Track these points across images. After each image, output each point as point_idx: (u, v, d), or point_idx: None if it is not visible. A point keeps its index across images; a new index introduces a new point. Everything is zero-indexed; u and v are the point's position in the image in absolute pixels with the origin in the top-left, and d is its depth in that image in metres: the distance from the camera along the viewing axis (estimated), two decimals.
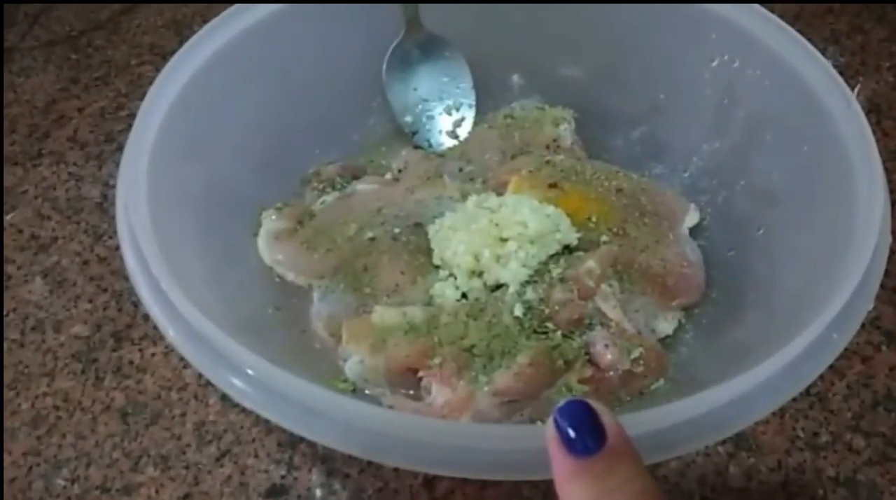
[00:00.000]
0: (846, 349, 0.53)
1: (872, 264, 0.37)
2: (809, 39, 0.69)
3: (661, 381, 0.46)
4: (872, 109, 0.68)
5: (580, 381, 0.44)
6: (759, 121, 0.50)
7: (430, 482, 0.49)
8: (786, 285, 0.45)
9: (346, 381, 0.46)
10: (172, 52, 0.80)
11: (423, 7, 0.57)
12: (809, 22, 0.76)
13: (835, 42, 0.74)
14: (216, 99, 0.52)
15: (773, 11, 0.77)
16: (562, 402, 0.30)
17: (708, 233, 0.54)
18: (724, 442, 0.50)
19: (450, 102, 0.60)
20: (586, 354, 0.44)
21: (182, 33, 0.83)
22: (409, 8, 0.57)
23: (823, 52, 0.71)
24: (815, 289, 0.40)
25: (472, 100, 0.60)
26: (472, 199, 0.51)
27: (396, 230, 0.51)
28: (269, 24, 0.54)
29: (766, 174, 0.50)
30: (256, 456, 0.51)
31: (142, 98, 0.76)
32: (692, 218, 0.53)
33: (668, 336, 0.49)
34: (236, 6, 0.53)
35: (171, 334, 0.38)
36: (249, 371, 0.36)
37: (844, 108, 0.44)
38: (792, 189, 0.48)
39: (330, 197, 0.56)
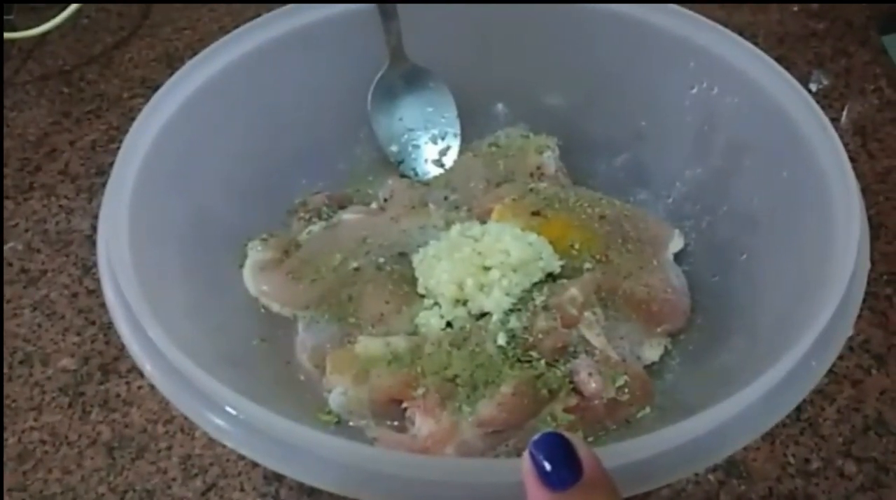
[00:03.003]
0: (835, 373, 0.54)
1: (850, 290, 0.37)
2: (794, 63, 0.69)
3: (648, 409, 0.45)
4: (857, 132, 0.68)
5: (565, 410, 0.44)
6: (739, 147, 0.51)
7: None
8: (769, 310, 0.45)
9: (329, 413, 0.46)
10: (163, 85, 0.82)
11: (406, 38, 0.57)
12: (794, 46, 0.77)
13: (819, 65, 0.74)
14: (202, 131, 0.52)
15: (757, 35, 0.78)
16: (537, 435, 0.30)
17: (692, 258, 0.54)
18: (714, 469, 0.50)
19: (435, 132, 0.60)
20: (571, 382, 0.44)
21: (173, 66, 0.83)
22: (392, 40, 0.57)
23: (808, 75, 0.71)
24: (797, 315, 0.39)
25: (456, 129, 0.60)
26: (456, 227, 0.51)
27: (381, 260, 0.51)
28: (254, 56, 0.54)
29: (747, 199, 0.50)
30: (242, 490, 0.51)
31: None
32: (676, 244, 0.53)
33: (654, 363, 0.49)
34: (221, 40, 0.54)
35: (149, 370, 0.38)
36: (229, 409, 0.36)
37: (821, 134, 0.44)
38: (773, 214, 0.48)
39: (316, 227, 0.56)
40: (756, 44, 0.50)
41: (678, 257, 0.53)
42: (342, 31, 0.57)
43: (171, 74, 0.87)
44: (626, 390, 0.44)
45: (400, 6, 0.55)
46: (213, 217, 0.53)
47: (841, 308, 0.36)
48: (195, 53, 0.89)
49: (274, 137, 0.57)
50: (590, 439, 0.45)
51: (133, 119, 0.80)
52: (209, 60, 0.53)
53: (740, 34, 0.51)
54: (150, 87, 0.82)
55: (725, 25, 0.52)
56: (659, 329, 0.49)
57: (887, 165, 0.66)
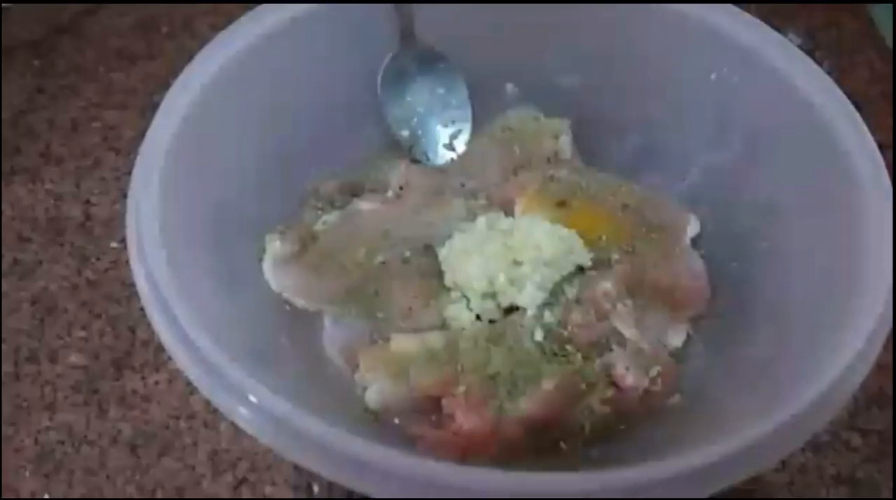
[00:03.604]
0: None
1: (891, 289, 0.38)
2: (785, 36, 0.70)
3: (677, 396, 0.47)
4: None
5: (602, 402, 0.45)
6: (760, 135, 0.51)
7: None
8: (797, 301, 0.46)
9: (367, 410, 0.46)
10: (141, 57, 0.79)
11: (416, 17, 0.56)
12: (784, 15, 0.77)
13: (811, 38, 0.75)
14: (215, 124, 0.50)
15: (749, 8, 0.79)
16: None
17: (709, 243, 0.54)
18: None
19: (446, 115, 0.59)
20: (607, 375, 0.45)
21: (149, 36, 0.81)
22: (403, 21, 0.56)
23: (799, 48, 0.72)
24: (832, 309, 0.41)
25: (468, 112, 0.59)
26: (482, 220, 0.51)
27: (406, 253, 0.51)
28: (263, 44, 0.52)
29: (768, 187, 0.51)
30: (274, 484, 0.51)
31: (115, 108, 0.75)
32: (693, 229, 0.54)
33: (677, 349, 0.50)
34: (223, 32, 0.52)
35: (199, 380, 0.38)
36: (283, 416, 0.36)
37: (847, 122, 0.45)
38: (796, 203, 0.48)
39: (331, 216, 0.55)
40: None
41: (694, 242, 0.54)
42: (349, 15, 0.55)
43: (146, 44, 0.84)
44: (659, 380, 0.46)
45: None
46: (230, 210, 0.52)
47: (884, 310, 0.38)
48: (170, 21, 0.86)
49: (284, 124, 0.56)
50: (622, 427, 0.46)
51: (113, 94, 0.77)
52: (216, 53, 0.51)
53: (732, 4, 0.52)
54: (127, 58, 0.78)
55: None
56: (681, 315, 0.51)
57: (878, 140, 0.67)
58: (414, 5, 0.55)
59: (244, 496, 0.50)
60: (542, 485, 0.34)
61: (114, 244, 0.63)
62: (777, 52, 0.49)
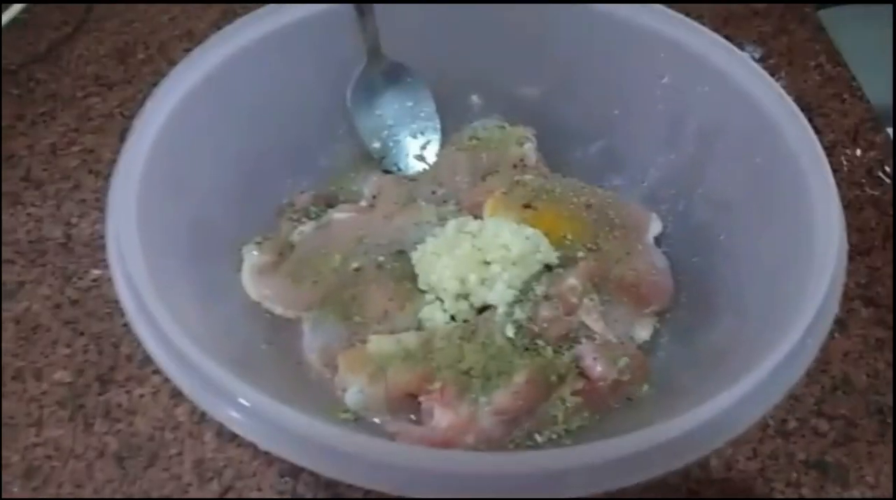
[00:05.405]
0: None
1: (836, 270, 0.41)
2: (739, 44, 0.73)
3: (646, 386, 0.49)
4: (802, 108, 0.71)
5: (573, 393, 0.47)
6: (711, 134, 0.54)
7: None
8: (753, 288, 0.48)
9: (346, 411, 0.48)
10: (118, 83, 0.81)
11: (382, 32, 0.58)
12: (738, 25, 0.81)
13: (763, 44, 0.78)
14: (189, 138, 0.52)
15: (702, 16, 0.82)
16: None
17: (671, 240, 0.57)
18: None
19: (415, 126, 0.62)
20: (577, 367, 0.47)
21: (126, 62, 0.82)
22: (369, 38, 0.58)
23: (752, 54, 0.75)
24: (784, 293, 0.43)
25: (436, 123, 0.62)
26: (452, 223, 0.53)
27: (380, 258, 0.53)
28: (234, 60, 0.54)
29: (721, 183, 0.53)
30: (260, 489, 0.52)
31: (93, 132, 0.76)
32: (655, 227, 0.56)
33: (645, 342, 0.52)
34: (198, 48, 0.54)
35: (188, 388, 0.39)
36: (272, 415, 0.38)
37: (791, 120, 0.48)
38: (748, 197, 0.51)
39: (306, 227, 0.57)
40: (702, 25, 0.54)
41: (657, 240, 0.57)
42: (318, 31, 0.57)
43: (124, 69, 0.86)
44: (627, 370, 0.47)
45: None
46: (206, 223, 0.54)
47: (831, 286, 0.40)
48: (147, 47, 0.88)
49: (257, 139, 0.58)
50: (596, 417, 0.48)
51: (91, 120, 0.79)
52: (189, 71, 0.52)
53: (686, 16, 0.55)
54: (104, 84, 0.80)
55: (670, 6, 0.55)
56: (647, 310, 0.53)
57: (832, 140, 0.70)
58: (378, 24, 0.57)
59: None
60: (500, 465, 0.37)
61: (95, 266, 0.64)
62: (721, 54, 0.52)
